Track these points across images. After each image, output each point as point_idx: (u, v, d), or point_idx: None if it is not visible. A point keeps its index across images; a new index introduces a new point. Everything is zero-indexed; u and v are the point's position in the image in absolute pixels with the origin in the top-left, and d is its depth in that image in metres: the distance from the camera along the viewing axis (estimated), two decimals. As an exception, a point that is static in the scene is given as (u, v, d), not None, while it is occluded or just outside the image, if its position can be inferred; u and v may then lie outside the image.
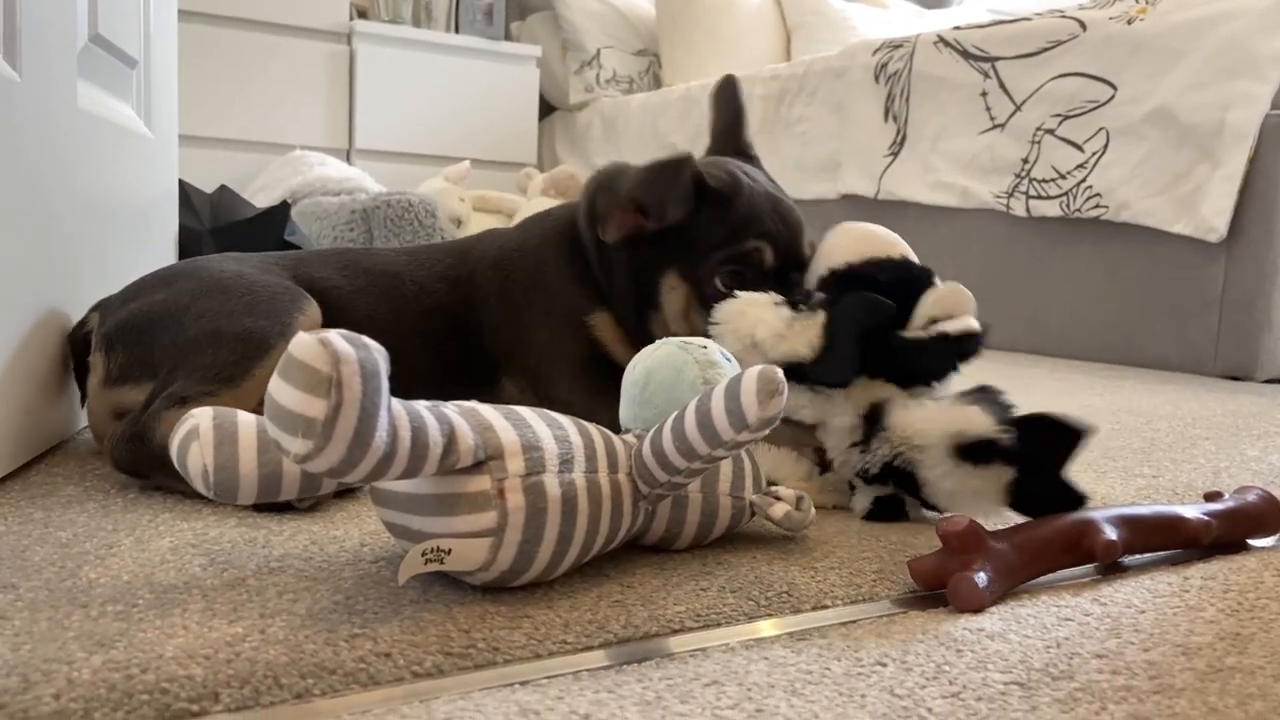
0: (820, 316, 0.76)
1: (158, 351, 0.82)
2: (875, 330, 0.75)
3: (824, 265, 0.83)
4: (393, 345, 0.52)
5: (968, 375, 0.78)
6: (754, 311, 0.79)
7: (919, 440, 0.73)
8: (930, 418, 0.73)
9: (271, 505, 0.72)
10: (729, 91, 1.02)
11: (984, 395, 0.74)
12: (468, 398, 0.60)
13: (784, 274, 0.88)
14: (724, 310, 0.80)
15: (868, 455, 0.75)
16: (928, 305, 0.77)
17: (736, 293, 0.81)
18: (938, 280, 0.80)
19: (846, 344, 0.74)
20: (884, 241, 0.83)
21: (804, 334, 0.76)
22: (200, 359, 0.79)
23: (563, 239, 0.96)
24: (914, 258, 0.82)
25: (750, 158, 0.99)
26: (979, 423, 0.71)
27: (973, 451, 0.71)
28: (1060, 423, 0.70)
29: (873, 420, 0.76)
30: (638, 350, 0.74)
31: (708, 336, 0.84)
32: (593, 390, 0.88)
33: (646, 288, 0.90)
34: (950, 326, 0.75)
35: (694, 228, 0.87)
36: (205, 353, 0.80)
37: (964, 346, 0.76)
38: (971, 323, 0.76)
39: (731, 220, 0.87)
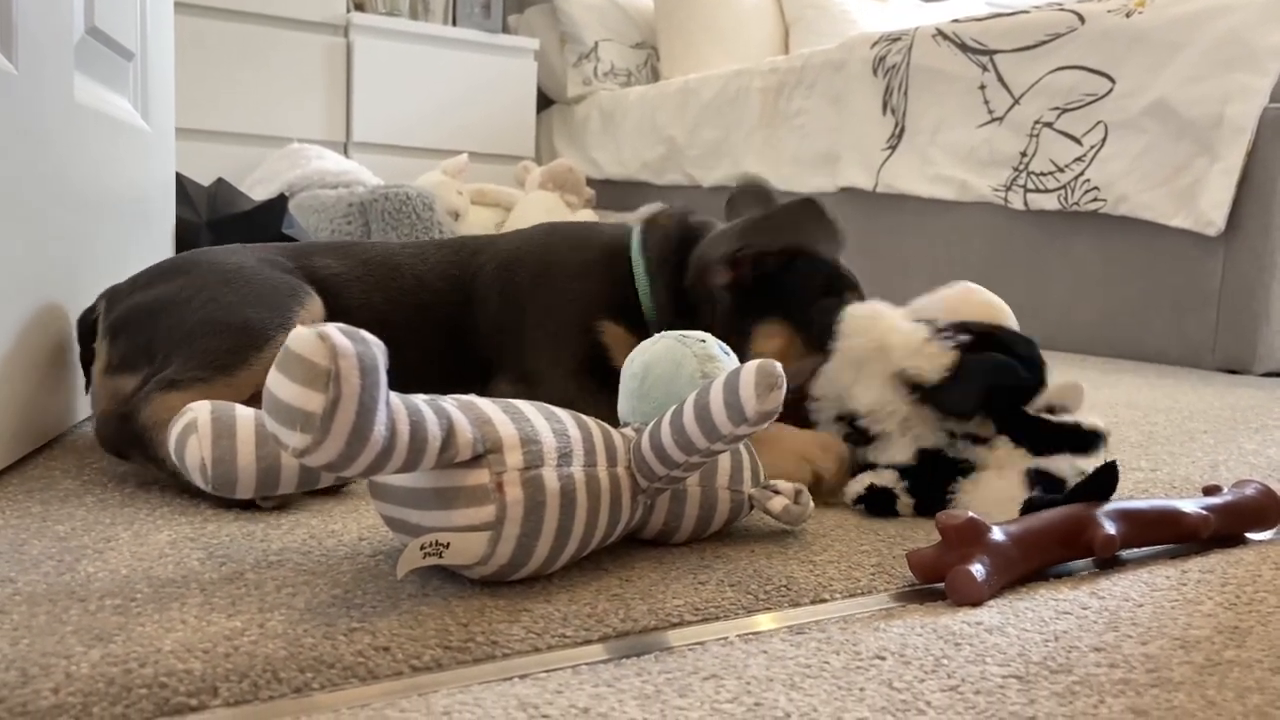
0: (955, 353, 0.76)
1: (158, 340, 0.82)
2: (1004, 392, 0.76)
3: (948, 315, 0.83)
4: (385, 337, 0.52)
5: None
6: (889, 319, 0.80)
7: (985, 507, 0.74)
8: (1005, 498, 0.74)
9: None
10: (765, 197, 1.03)
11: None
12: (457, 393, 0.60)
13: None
14: (857, 311, 0.81)
15: (951, 443, 0.77)
16: (1052, 391, 0.78)
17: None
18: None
19: (978, 385, 0.75)
20: (1008, 315, 0.85)
21: (935, 359, 0.76)
22: (199, 345, 0.80)
23: (604, 261, 0.96)
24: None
25: None
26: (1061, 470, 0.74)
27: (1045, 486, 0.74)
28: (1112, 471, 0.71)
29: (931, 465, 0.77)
30: None
31: (804, 375, 0.85)
32: (588, 390, 0.88)
33: (730, 335, 0.88)
34: (1085, 421, 0.77)
35: (793, 278, 0.90)
36: (204, 340, 0.80)
37: (1088, 442, 0.76)
38: (1101, 424, 0.77)
39: (825, 271, 0.91)
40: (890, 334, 0.78)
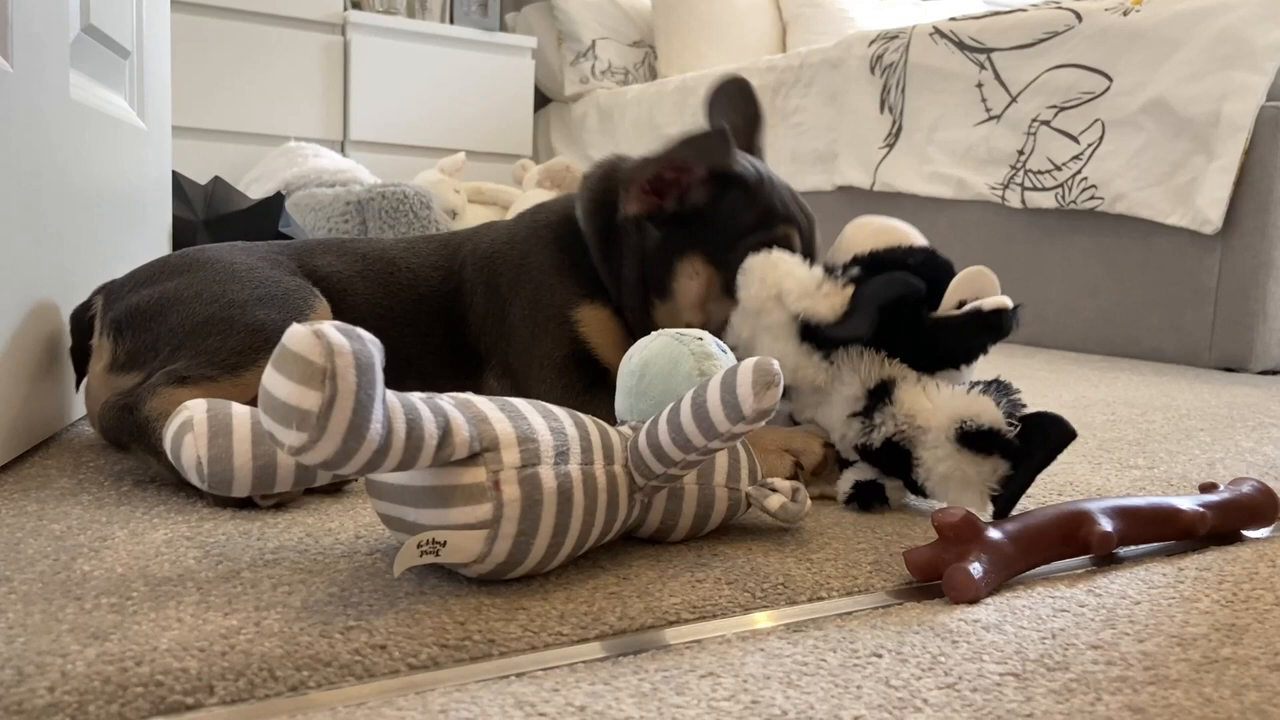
0: (849, 289, 0.76)
1: (164, 337, 0.82)
2: (904, 308, 0.74)
3: (845, 254, 0.83)
4: (384, 331, 0.52)
5: (980, 370, 0.78)
6: (786, 265, 0.79)
7: (923, 420, 0.73)
8: (942, 400, 0.73)
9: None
10: (743, 93, 1.00)
11: (999, 388, 0.73)
12: (452, 389, 0.60)
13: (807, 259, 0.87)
14: (755, 260, 0.80)
15: (869, 429, 0.75)
16: (955, 288, 0.76)
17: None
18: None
19: (869, 308, 0.74)
20: (903, 233, 0.84)
21: (829, 298, 0.76)
22: (208, 343, 0.79)
23: (554, 230, 0.96)
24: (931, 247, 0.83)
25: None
26: (990, 413, 0.71)
27: (976, 439, 0.71)
28: (1058, 421, 0.70)
29: (878, 395, 0.75)
30: (625, 347, 0.73)
31: (724, 326, 0.84)
32: (572, 390, 0.87)
33: (658, 274, 0.88)
34: (985, 303, 0.74)
35: (719, 213, 0.86)
36: (214, 337, 0.80)
37: (998, 322, 0.74)
38: (1004, 299, 0.75)
39: (759, 206, 0.87)
40: (785, 280, 0.77)
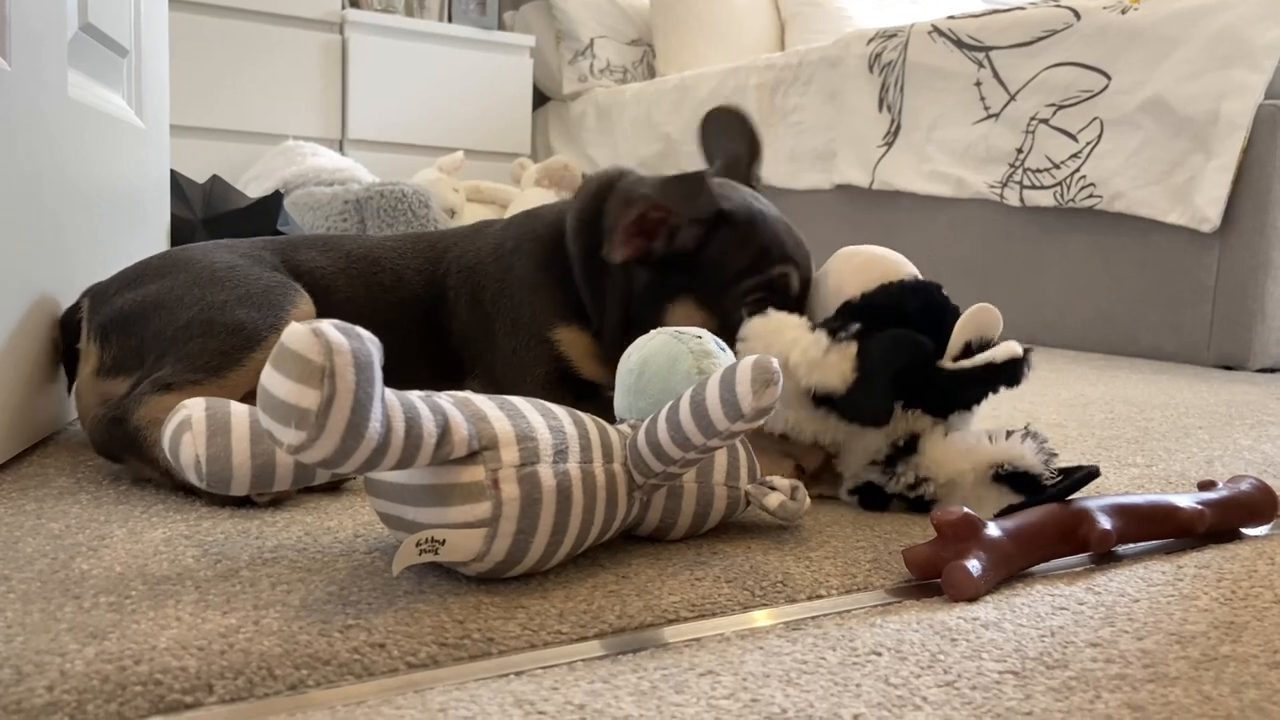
0: (852, 348, 0.73)
1: (148, 342, 0.81)
2: (915, 368, 0.73)
3: (835, 294, 0.80)
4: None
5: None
6: (790, 333, 0.75)
7: (950, 471, 0.73)
8: (969, 451, 0.73)
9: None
10: (740, 122, 0.97)
11: (1033, 437, 0.74)
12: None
13: (805, 301, 0.85)
14: (755, 326, 0.76)
15: (889, 476, 0.75)
16: (960, 330, 0.75)
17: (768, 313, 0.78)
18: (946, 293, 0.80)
19: (881, 383, 0.72)
20: (892, 264, 0.81)
21: (838, 365, 0.73)
22: (189, 347, 0.79)
23: (541, 245, 0.92)
24: (919, 275, 0.81)
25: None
26: (1030, 459, 0.72)
27: (1012, 480, 0.72)
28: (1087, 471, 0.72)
29: (904, 450, 0.75)
30: (608, 366, 0.72)
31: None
32: (562, 405, 0.86)
33: (647, 316, 0.84)
34: (997, 355, 0.72)
35: (711, 254, 0.83)
36: (196, 341, 0.79)
37: (1014, 374, 0.73)
38: (1016, 348, 0.73)
39: (753, 246, 0.83)
40: (791, 351, 0.74)
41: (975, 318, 0.75)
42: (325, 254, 0.96)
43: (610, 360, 0.84)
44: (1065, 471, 0.73)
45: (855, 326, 0.75)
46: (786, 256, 0.84)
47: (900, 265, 0.81)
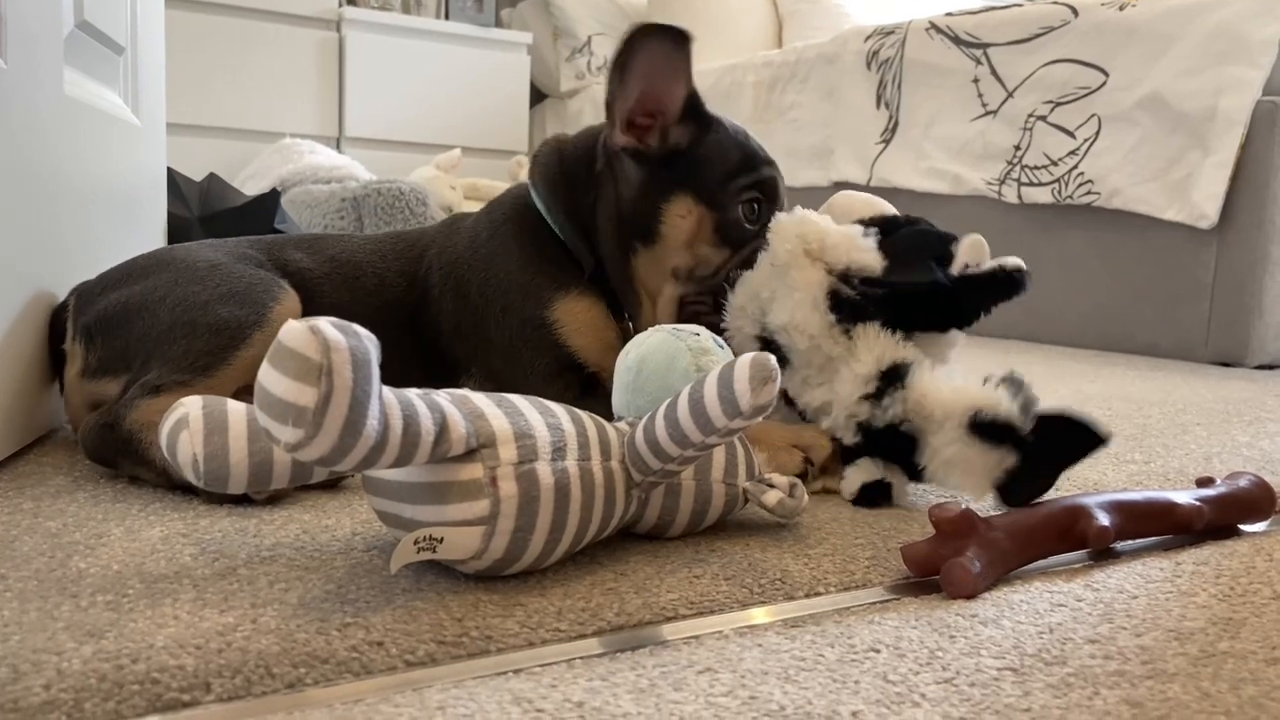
0: (875, 243, 0.77)
1: (134, 344, 0.81)
2: (940, 256, 0.77)
3: (844, 219, 0.82)
4: None
5: (975, 364, 0.79)
6: (823, 221, 0.79)
7: (933, 407, 0.73)
8: (956, 391, 0.73)
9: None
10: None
11: (1013, 383, 0.74)
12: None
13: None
14: (787, 217, 0.80)
15: (877, 410, 0.75)
16: (963, 252, 0.77)
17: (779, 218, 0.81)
18: None
19: (923, 258, 0.76)
20: (886, 205, 0.86)
21: (871, 251, 0.76)
22: (175, 348, 0.79)
23: (515, 224, 0.92)
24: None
25: None
26: (1004, 406, 0.71)
27: (987, 429, 0.71)
28: (1082, 424, 0.71)
29: (891, 378, 0.75)
30: (610, 341, 0.72)
31: (714, 268, 0.84)
32: (563, 401, 0.86)
33: (643, 217, 0.86)
34: (1006, 263, 0.76)
35: (701, 154, 0.86)
36: (180, 342, 0.79)
37: (1020, 280, 0.76)
38: (1019, 261, 0.76)
39: (740, 149, 0.87)
40: (827, 235, 0.77)
41: (974, 245, 0.78)
42: (312, 256, 0.95)
43: (618, 317, 0.87)
44: (1052, 418, 0.72)
45: (875, 230, 0.79)
46: (771, 161, 0.88)
47: (891, 210, 0.85)
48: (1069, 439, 0.72)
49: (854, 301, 0.76)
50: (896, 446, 0.76)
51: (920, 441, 0.74)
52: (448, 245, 0.95)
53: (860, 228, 0.79)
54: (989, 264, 0.76)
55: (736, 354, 0.77)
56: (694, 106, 0.88)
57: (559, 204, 0.91)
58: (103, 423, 0.77)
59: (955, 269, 0.77)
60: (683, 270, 0.87)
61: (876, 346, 0.76)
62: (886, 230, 0.80)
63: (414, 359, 0.92)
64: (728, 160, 0.86)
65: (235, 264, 0.87)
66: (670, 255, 0.87)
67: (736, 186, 0.86)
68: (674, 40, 0.85)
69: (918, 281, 0.76)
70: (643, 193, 0.87)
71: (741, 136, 0.89)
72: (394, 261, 0.96)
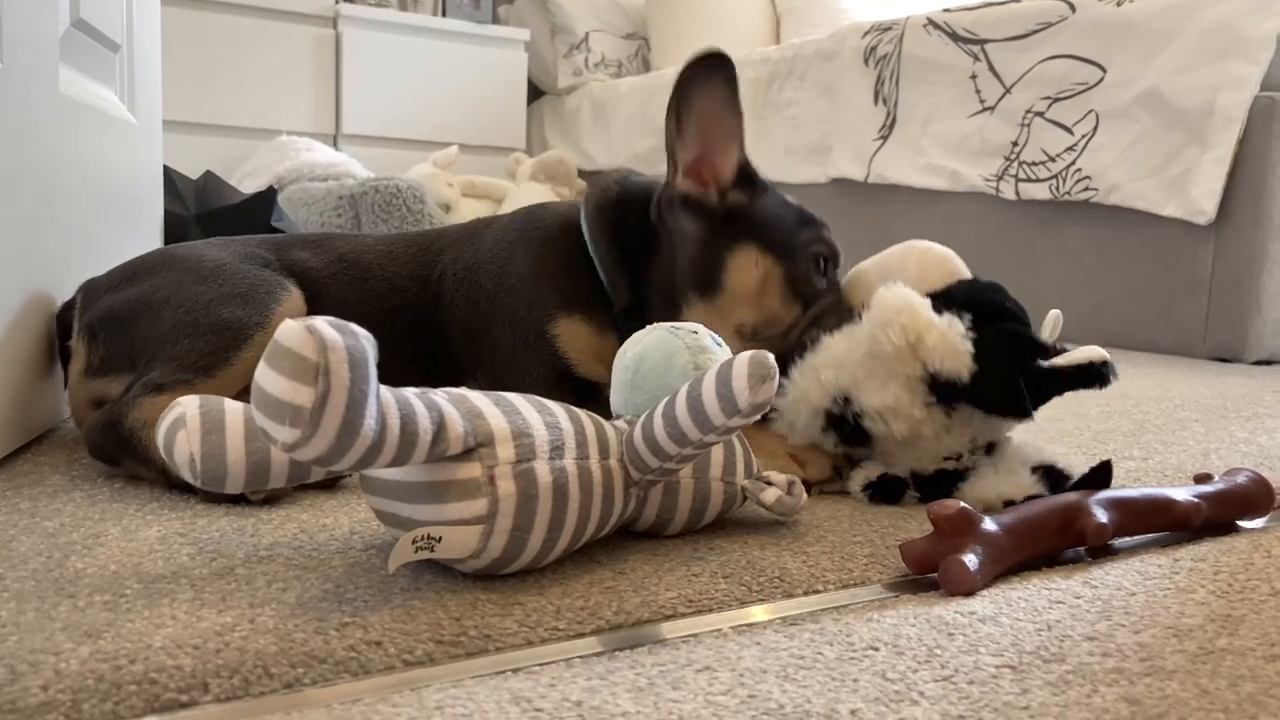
0: (969, 342, 0.73)
1: (137, 343, 0.81)
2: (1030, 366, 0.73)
3: (914, 283, 0.78)
4: None
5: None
6: (926, 312, 0.73)
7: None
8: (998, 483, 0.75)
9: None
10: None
11: (1052, 474, 0.75)
12: None
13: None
14: (887, 298, 0.74)
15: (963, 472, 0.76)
16: (1047, 331, 0.78)
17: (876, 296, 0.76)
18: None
19: (1011, 375, 0.72)
20: (960, 265, 0.82)
21: (963, 356, 0.72)
22: (177, 348, 0.79)
23: (547, 234, 0.91)
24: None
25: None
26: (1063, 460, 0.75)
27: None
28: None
29: (985, 451, 0.77)
30: (606, 359, 0.71)
31: (782, 326, 0.83)
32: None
33: (705, 268, 0.84)
34: (1093, 358, 0.73)
35: (760, 211, 0.85)
36: (182, 342, 0.79)
37: (1105, 375, 0.73)
38: (1103, 352, 0.73)
39: (791, 208, 0.86)
40: (928, 333, 0.72)
41: (1053, 321, 0.79)
42: (319, 255, 0.94)
43: (617, 343, 0.85)
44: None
45: (968, 317, 0.74)
46: (826, 224, 0.87)
47: (960, 265, 0.83)
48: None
49: (952, 387, 0.72)
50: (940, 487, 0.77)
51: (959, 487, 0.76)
52: (467, 250, 0.94)
53: (959, 324, 0.73)
54: (1078, 356, 0.73)
55: (790, 419, 0.77)
56: (746, 170, 0.87)
57: (605, 235, 0.88)
58: (105, 421, 0.77)
59: (1046, 362, 0.74)
60: (748, 327, 0.83)
61: (980, 429, 0.76)
62: (972, 304, 0.75)
63: (419, 364, 0.91)
64: (788, 217, 0.86)
65: (241, 263, 0.87)
66: (736, 308, 0.83)
67: (803, 239, 0.84)
68: (724, 75, 0.83)
69: (1009, 410, 0.73)
70: (703, 242, 0.84)
71: (786, 199, 0.89)
72: (405, 264, 0.94)
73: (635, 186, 0.91)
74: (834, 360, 0.76)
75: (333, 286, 0.92)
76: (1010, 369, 0.72)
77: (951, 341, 0.72)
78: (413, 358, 0.91)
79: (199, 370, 0.78)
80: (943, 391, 0.73)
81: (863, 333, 0.75)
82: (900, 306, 0.73)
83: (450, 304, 0.92)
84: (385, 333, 0.89)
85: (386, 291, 0.93)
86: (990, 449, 0.77)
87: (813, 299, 0.84)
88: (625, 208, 0.89)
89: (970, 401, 0.73)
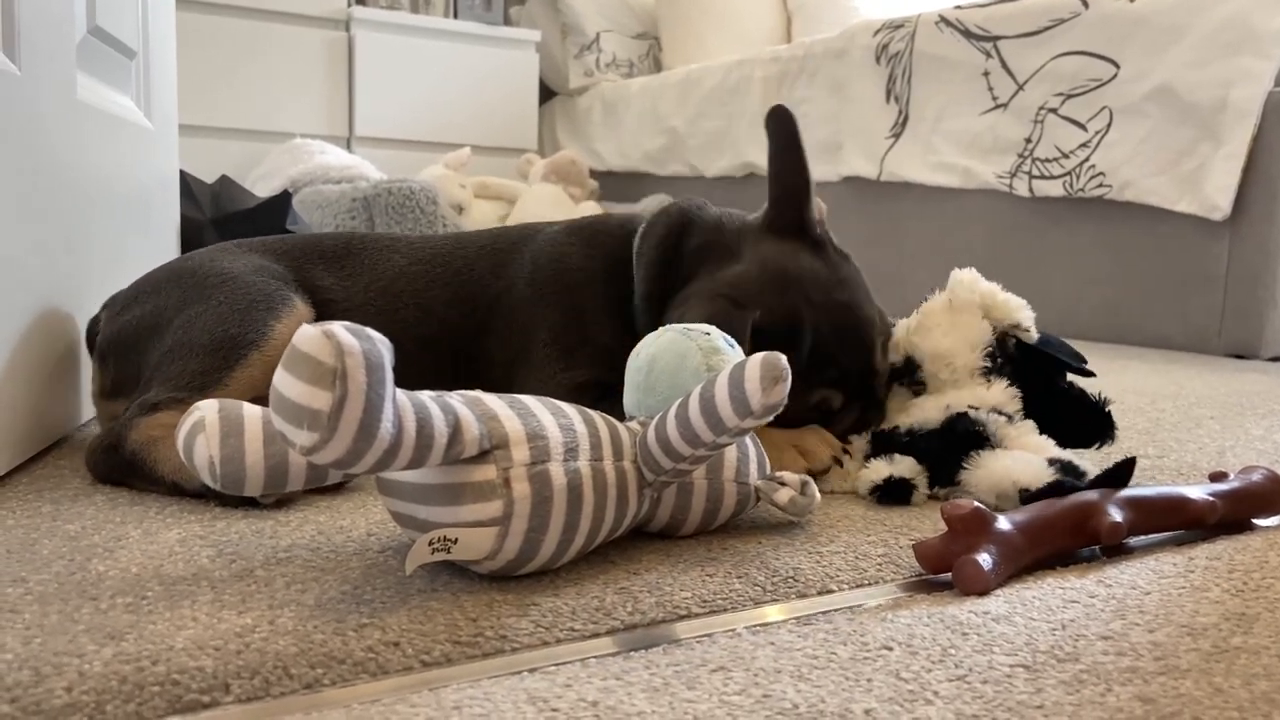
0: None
1: (144, 367, 0.83)
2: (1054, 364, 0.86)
3: (984, 334, 0.85)
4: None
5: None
6: (993, 285, 0.87)
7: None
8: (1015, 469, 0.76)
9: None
10: (790, 149, 0.93)
11: (1068, 470, 0.75)
12: None
13: (854, 400, 0.84)
14: (962, 272, 0.88)
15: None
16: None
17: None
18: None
19: (1066, 348, 0.87)
20: (1017, 303, 0.89)
21: (1030, 317, 0.86)
22: (174, 368, 0.80)
23: (609, 248, 0.91)
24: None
25: (815, 241, 0.88)
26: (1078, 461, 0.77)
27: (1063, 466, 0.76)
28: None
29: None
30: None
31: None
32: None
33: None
34: (1110, 402, 0.86)
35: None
36: (178, 362, 0.80)
37: (1106, 425, 0.86)
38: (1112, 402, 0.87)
39: (803, 364, 0.80)
40: (997, 294, 0.86)
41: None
42: (337, 276, 0.92)
43: None
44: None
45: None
46: (831, 380, 0.83)
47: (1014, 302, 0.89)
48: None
49: (1007, 360, 0.85)
50: (955, 447, 0.79)
51: (978, 452, 0.78)
52: (523, 285, 0.91)
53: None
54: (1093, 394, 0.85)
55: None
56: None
57: (653, 274, 0.88)
58: (105, 445, 0.77)
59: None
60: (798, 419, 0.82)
61: (997, 395, 0.82)
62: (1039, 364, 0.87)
63: (448, 387, 0.89)
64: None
65: (248, 276, 0.86)
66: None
67: (795, 405, 0.80)
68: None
69: (1067, 361, 0.85)
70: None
71: (809, 349, 0.84)
72: (441, 290, 0.91)
73: (684, 236, 0.89)
74: (902, 329, 0.89)
75: (356, 317, 0.89)
76: (1061, 346, 0.87)
77: (1019, 303, 0.86)
78: (448, 387, 0.90)
79: (194, 389, 0.78)
80: (996, 361, 0.84)
81: (947, 296, 0.88)
82: (975, 279, 0.88)
83: (500, 332, 0.90)
84: (415, 360, 0.86)
85: (418, 320, 0.90)
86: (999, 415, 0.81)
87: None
88: (669, 265, 0.88)
89: (1036, 355, 0.85)
